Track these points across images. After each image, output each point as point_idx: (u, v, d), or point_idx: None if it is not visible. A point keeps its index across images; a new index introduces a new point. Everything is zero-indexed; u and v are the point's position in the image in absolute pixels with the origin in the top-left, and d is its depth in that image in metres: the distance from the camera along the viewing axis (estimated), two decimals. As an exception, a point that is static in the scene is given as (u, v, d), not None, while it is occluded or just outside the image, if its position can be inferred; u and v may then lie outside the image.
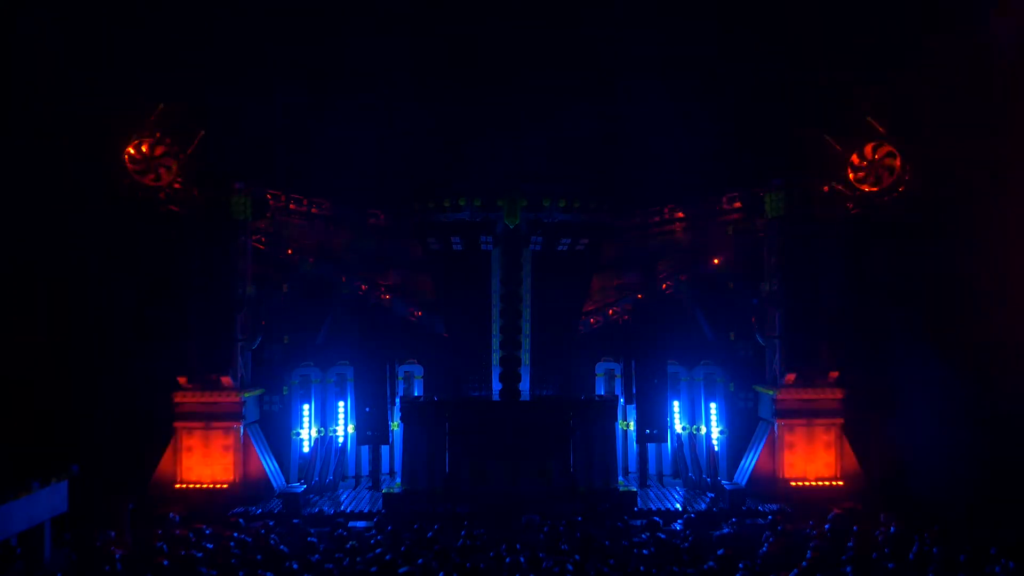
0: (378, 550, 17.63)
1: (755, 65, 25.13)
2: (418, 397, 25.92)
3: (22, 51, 22.60)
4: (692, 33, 25.54)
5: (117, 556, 17.21)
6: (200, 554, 17.13)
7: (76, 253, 23.41)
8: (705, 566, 16.34)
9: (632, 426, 26.15)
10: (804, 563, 16.46)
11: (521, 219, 24.84)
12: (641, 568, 16.12)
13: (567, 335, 27.01)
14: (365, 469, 26.64)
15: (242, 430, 24.17)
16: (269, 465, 24.66)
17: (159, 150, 23.07)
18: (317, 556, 17.48)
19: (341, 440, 26.14)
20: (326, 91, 26.08)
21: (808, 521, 20.56)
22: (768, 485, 24.16)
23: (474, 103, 25.92)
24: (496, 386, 25.44)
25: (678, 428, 26.05)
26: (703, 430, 25.89)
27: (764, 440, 24.71)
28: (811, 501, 22.72)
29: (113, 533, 18.91)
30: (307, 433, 25.64)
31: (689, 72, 25.51)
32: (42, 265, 23.07)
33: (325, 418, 25.96)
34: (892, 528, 19.23)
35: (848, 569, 16.09)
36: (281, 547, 18.29)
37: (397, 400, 25.45)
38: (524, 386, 25.56)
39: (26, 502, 16.42)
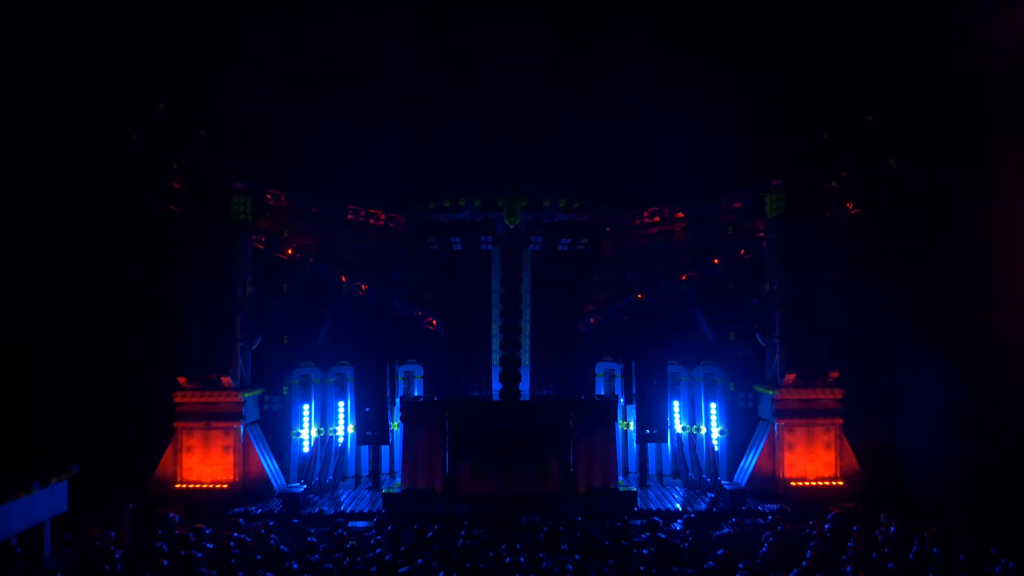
0: (378, 550, 17.63)
1: (755, 65, 25.13)
2: (418, 397, 25.94)
3: (24, 51, 22.58)
4: (692, 34, 25.55)
5: (117, 556, 17.21)
6: (200, 554, 17.13)
7: (76, 252, 23.40)
8: (705, 566, 16.34)
9: (632, 426, 26.15)
10: (804, 563, 16.46)
11: (521, 219, 24.86)
12: (641, 568, 16.11)
13: (567, 335, 27.02)
14: (365, 469, 26.64)
15: (242, 430, 24.18)
16: (269, 465, 24.67)
17: None
18: (317, 556, 17.47)
19: (341, 440, 26.14)
20: (327, 91, 26.09)
21: (808, 521, 20.55)
22: (768, 485, 24.16)
23: (475, 103, 25.93)
24: (496, 386, 25.44)
25: (678, 428, 26.05)
26: (703, 430, 25.90)
27: (764, 440, 24.72)
28: (811, 501, 22.73)
29: (113, 533, 18.90)
30: (307, 433, 25.65)
31: (689, 72, 25.52)
32: (42, 265, 23.06)
33: (325, 418, 25.96)
34: (892, 528, 19.22)
35: (848, 569, 16.10)
36: (281, 547, 18.29)
37: (397, 400, 25.45)
38: (524, 386, 25.57)
39: (26, 502, 16.39)
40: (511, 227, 24.92)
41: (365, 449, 26.36)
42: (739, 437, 25.67)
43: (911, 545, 17.68)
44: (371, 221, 26.90)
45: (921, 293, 23.67)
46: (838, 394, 24.29)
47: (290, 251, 26.17)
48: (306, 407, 25.69)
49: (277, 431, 25.55)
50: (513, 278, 25.36)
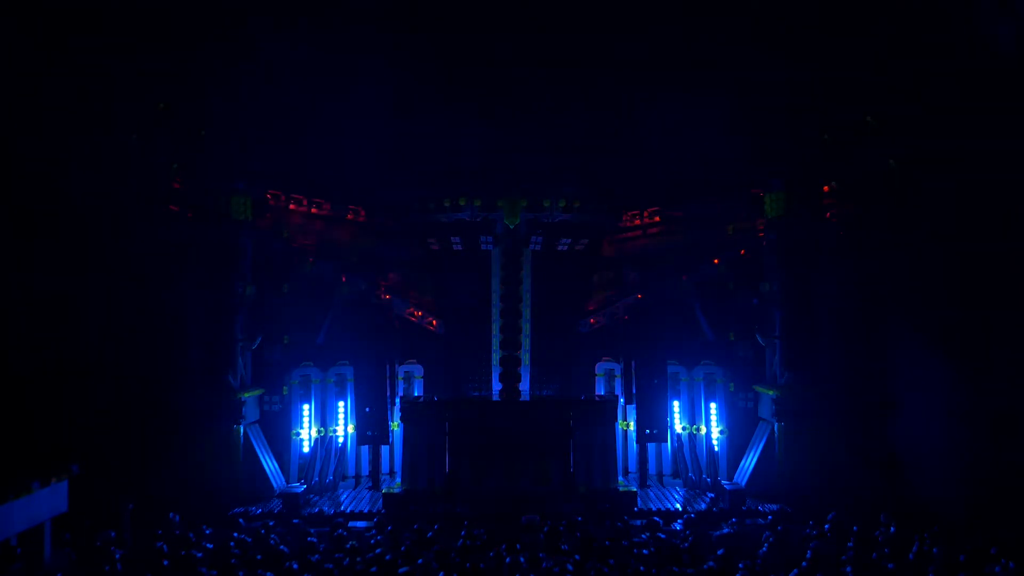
0: (378, 550, 17.65)
1: (755, 65, 25.11)
2: (418, 397, 25.95)
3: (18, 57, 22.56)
4: (691, 33, 25.53)
5: (117, 556, 17.22)
6: (200, 554, 17.15)
7: (76, 253, 23.38)
8: (705, 566, 16.36)
9: (632, 426, 26.16)
10: (804, 563, 16.48)
11: (521, 219, 24.90)
12: (641, 568, 16.12)
13: (567, 335, 27.04)
14: (365, 469, 26.67)
15: (242, 430, 24.18)
16: (269, 465, 24.67)
17: None
18: (317, 556, 17.49)
19: (341, 440, 26.15)
20: (326, 91, 26.06)
21: (808, 521, 20.56)
22: (768, 485, 24.17)
23: (474, 103, 25.92)
24: (496, 386, 25.46)
25: (678, 428, 26.06)
26: (703, 430, 25.91)
27: (764, 440, 24.73)
28: (811, 501, 22.72)
29: (113, 533, 18.91)
30: (307, 433, 25.65)
31: (689, 72, 25.50)
32: (41, 265, 23.04)
33: (325, 418, 25.96)
34: (892, 528, 19.24)
35: (848, 569, 16.11)
36: (281, 547, 18.30)
37: (397, 400, 25.47)
38: (524, 386, 25.59)
39: (26, 502, 16.43)
40: (511, 227, 24.94)
41: (365, 449, 26.38)
42: (739, 437, 25.67)
43: (911, 545, 17.70)
44: (371, 221, 26.90)
45: (921, 293, 23.64)
46: (838, 394, 24.25)
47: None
48: (306, 407, 25.69)
49: (277, 431, 25.54)
50: (513, 278, 25.42)
